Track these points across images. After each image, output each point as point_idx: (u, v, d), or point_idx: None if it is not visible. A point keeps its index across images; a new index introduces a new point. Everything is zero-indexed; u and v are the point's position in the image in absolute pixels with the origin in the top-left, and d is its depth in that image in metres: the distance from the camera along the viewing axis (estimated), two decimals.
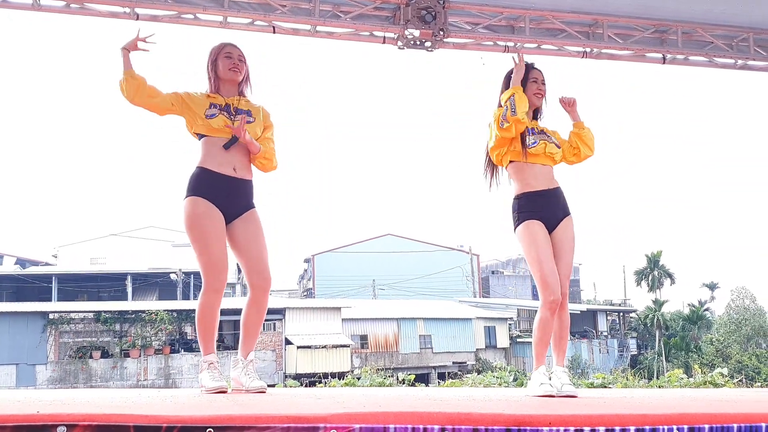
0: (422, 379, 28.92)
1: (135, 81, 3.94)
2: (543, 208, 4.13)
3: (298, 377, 27.11)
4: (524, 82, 4.19)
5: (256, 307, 4.04)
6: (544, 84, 4.25)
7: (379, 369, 19.38)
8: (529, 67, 4.26)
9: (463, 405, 3.22)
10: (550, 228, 4.14)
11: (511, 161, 4.20)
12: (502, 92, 4.25)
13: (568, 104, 4.34)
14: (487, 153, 4.32)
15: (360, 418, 2.66)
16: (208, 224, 3.87)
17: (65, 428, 2.53)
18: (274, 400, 3.49)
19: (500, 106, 4.16)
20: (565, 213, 4.22)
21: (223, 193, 3.91)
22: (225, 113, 3.97)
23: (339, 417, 2.64)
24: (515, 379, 11.47)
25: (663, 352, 42.59)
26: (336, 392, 4.60)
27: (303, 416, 2.65)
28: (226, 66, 4.04)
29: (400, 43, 5.74)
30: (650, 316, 46.73)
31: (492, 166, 4.36)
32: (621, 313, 49.77)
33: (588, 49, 6.25)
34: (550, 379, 4.03)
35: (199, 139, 4.01)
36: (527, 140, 4.13)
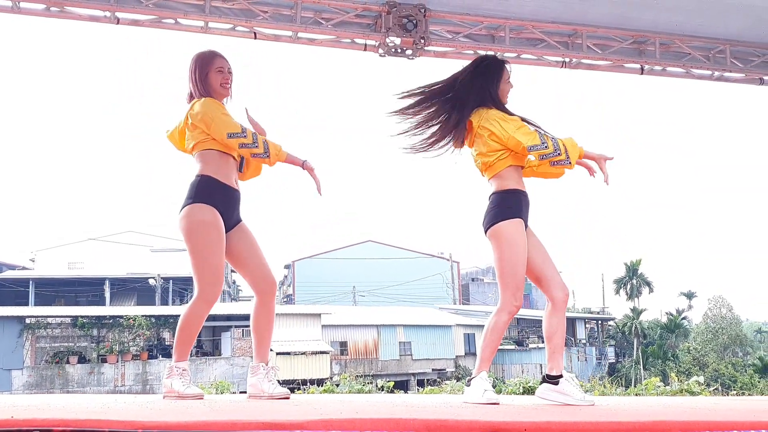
0: (402, 386, 28.93)
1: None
2: (524, 209, 4.01)
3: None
4: (499, 83, 4.08)
5: (266, 311, 4.05)
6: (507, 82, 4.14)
7: (358, 376, 19.34)
8: (504, 62, 4.18)
9: (440, 411, 3.24)
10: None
11: (509, 165, 4.02)
12: (471, 75, 4.10)
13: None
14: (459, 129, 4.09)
15: (337, 425, 2.67)
16: (214, 233, 3.84)
17: None
18: (252, 406, 3.49)
19: (503, 111, 4.01)
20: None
21: (226, 204, 3.93)
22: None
23: (316, 423, 2.65)
24: (493, 386, 11.51)
25: (641, 360, 42.87)
26: (314, 399, 4.59)
27: (279, 422, 2.66)
28: (218, 81, 4.01)
29: (381, 51, 5.76)
30: (628, 324, 47.08)
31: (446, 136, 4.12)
32: (599, 321, 50.07)
33: (567, 59, 6.29)
34: (493, 386, 3.95)
35: (194, 152, 3.98)
36: None
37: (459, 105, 4.07)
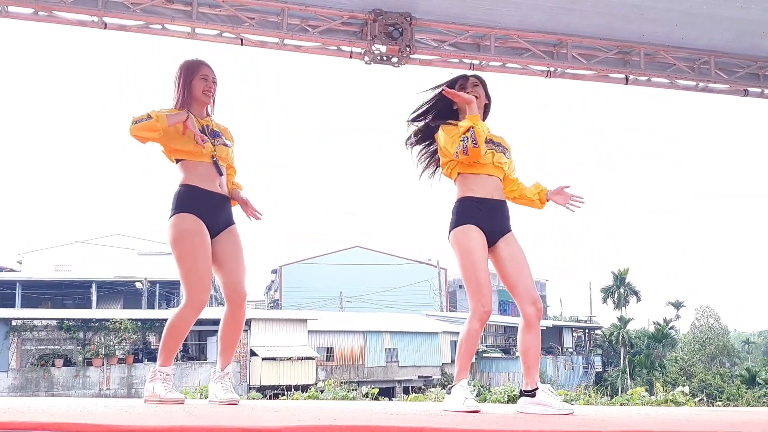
0: (387, 392, 28.84)
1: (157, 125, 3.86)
2: (483, 216, 3.95)
3: (262, 389, 26.87)
4: (464, 89, 4.10)
5: (232, 321, 4.08)
6: (478, 86, 4.15)
7: (344, 382, 19.29)
8: (466, 77, 4.20)
9: (418, 419, 3.25)
10: (491, 240, 3.97)
11: (459, 173, 4.06)
12: (433, 99, 4.20)
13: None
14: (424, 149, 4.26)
15: (311, 431, 2.69)
16: (197, 241, 3.90)
17: None
18: (231, 411, 3.50)
19: (447, 123, 4.06)
20: (509, 227, 4.05)
21: (209, 210, 3.98)
22: (207, 138, 4.00)
23: (291, 429, 2.67)
24: (478, 394, 11.50)
25: (627, 370, 42.96)
26: (295, 405, 4.60)
27: (255, 428, 2.68)
28: (200, 88, 4.05)
29: (366, 59, 5.79)
30: (615, 333, 47.17)
31: (435, 164, 4.24)
32: (587, 330, 50.16)
33: (552, 69, 6.34)
34: (474, 394, 3.94)
35: (177, 163, 4.03)
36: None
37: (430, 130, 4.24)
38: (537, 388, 3.89)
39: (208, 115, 4.16)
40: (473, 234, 3.91)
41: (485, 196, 3.99)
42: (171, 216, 3.94)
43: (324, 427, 2.73)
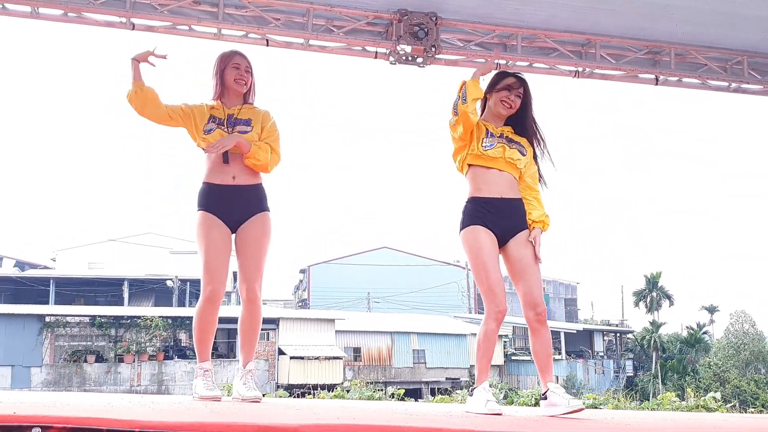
0: (414, 393, 28.83)
1: (144, 93, 4.00)
2: (491, 216, 3.89)
3: (289, 388, 27.03)
4: (495, 87, 4.02)
5: (247, 317, 4.11)
6: (519, 97, 4.02)
7: (370, 382, 19.31)
8: (505, 74, 4.10)
9: (437, 420, 3.24)
10: (502, 240, 3.91)
11: (469, 165, 4.00)
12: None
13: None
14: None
15: (330, 430, 2.70)
16: (206, 235, 3.99)
17: (40, 429, 2.57)
18: (252, 409, 3.52)
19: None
20: (523, 226, 3.95)
21: (224, 204, 4.02)
22: (222, 127, 4.04)
23: (309, 428, 2.67)
24: (505, 397, 11.45)
25: (659, 375, 42.44)
26: (317, 404, 4.62)
27: (274, 426, 2.68)
28: (232, 76, 4.10)
29: (391, 59, 5.78)
30: (647, 337, 46.59)
31: None
32: (618, 334, 49.65)
33: (580, 69, 6.28)
34: (501, 396, 3.92)
35: (203, 154, 4.13)
36: (483, 142, 3.93)
37: None
38: (548, 390, 3.87)
39: (246, 103, 4.18)
40: (481, 235, 3.87)
41: (495, 196, 3.93)
42: (195, 214, 4.09)
43: (341, 426, 2.74)
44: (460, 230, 3.96)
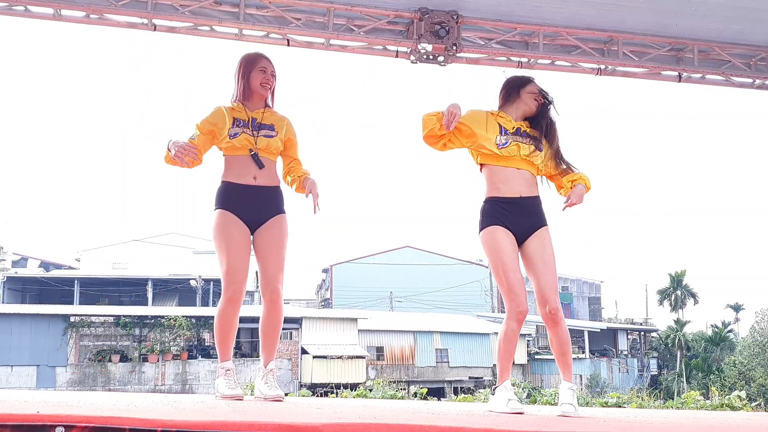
0: (437, 393, 28.79)
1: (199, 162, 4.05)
2: (510, 215, 3.89)
3: (312, 387, 27.12)
4: (523, 86, 4.09)
5: (268, 317, 4.10)
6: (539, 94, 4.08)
7: (393, 381, 19.30)
8: (528, 80, 4.14)
9: (458, 420, 3.23)
10: (521, 239, 3.92)
11: (483, 164, 4.01)
12: (500, 98, 4.15)
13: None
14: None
15: (351, 429, 2.69)
16: (227, 234, 3.98)
17: (63, 429, 2.59)
18: (274, 408, 3.53)
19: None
20: (541, 223, 3.96)
21: (245, 203, 4.02)
22: (247, 131, 4.05)
23: (330, 427, 2.67)
24: (528, 396, 11.39)
25: (684, 373, 42.07)
26: (339, 403, 4.63)
27: (295, 425, 2.69)
28: (258, 80, 4.11)
29: (413, 58, 5.78)
30: (672, 336, 46.22)
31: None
32: (642, 333, 49.28)
33: (603, 66, 6.23)
34: (525, 395, 3.93)
35: (223, 156, 4.13)
36: (498, 140, 3.92)
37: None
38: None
39: (267, 106, 4.20)
40: (500, 235, 3.86)
41: (512, 196, 3.91)
42: (213, 212, 4.07)
43: (362, 425, 2.74)
44: (480, 231, 3.95)
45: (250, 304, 36.99)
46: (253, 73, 4.11)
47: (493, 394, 3.92)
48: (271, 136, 4.10)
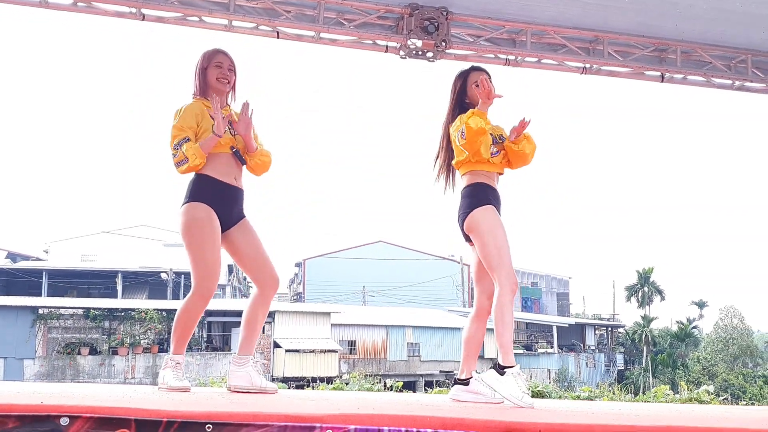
0: (409, 386, 28.93)
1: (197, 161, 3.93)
2: (496, 203, 4.02)
3: (285, 380, 27.07)
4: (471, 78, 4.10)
5: (264, 305, 4.10)
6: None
7: (367, 375, 19.35)
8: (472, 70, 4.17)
9: (455, 410, 3.28)
10: None
11: (469, 171, 4.07)
12: (453, 92, 4.16)
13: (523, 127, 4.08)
14: (444, 156, 4.24)
15: (356, 420, 2.72)
16: (207, 230, 3.91)
17: (68, 419, 2.59)
18: (271, 399, 3.55)
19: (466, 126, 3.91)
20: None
21: (223, 201, 3.98)
22: (228, 126, 4.02)
23: (335, 417, 2.70)
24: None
25: (650, 368, 42.71)
26: (327, 395, 4.64)
27: (300, 415, 2.71)
28: (215, 75, 4.08)
29: (402, 53, 5.80)
30: (638, 331, 46.91)
31: (449, 170, 4.24)
32: (609, 328, 49.92)
33: (588, 65, 6.32)
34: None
35: None
36: (491, 149, 3.99)
37: None
38: (471, 377, 4.02)
39: (228, 104, 4.17)
40: (497, 215, 3.97)
41: (494, 186, 4.07)
42: (183, 204, 3.97)
43: (366, 415, 2.77)
44: (474, 209, 3.96)
45: (221, 297, 36.80)
46: (209, 69, 4.08)
47: (500, 374, 3.75)
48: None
